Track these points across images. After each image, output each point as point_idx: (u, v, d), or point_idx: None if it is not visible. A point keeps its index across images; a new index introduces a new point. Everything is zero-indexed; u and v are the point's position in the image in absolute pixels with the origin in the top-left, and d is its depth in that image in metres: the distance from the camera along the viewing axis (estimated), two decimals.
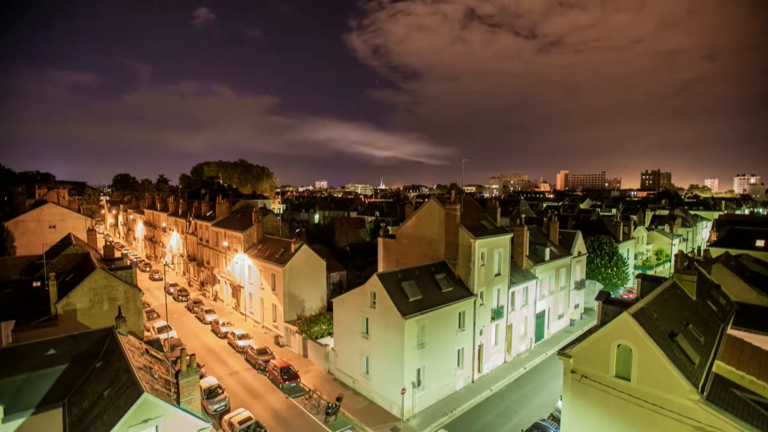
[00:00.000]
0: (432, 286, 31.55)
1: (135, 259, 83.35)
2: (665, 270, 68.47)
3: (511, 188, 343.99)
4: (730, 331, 23.17)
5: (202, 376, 31.72)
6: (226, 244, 53.92)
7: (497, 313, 35.50)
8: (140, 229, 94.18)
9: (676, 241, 74.63)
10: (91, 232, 48.05)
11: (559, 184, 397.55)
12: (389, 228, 51.13)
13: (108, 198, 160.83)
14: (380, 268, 40.36)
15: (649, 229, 77.19)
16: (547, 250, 43.24)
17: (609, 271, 50.89)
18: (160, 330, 41.22)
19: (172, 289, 58.77)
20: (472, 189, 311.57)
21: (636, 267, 65.06)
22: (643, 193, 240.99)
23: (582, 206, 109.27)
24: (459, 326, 32.29)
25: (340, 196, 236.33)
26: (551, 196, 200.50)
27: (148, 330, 41.83)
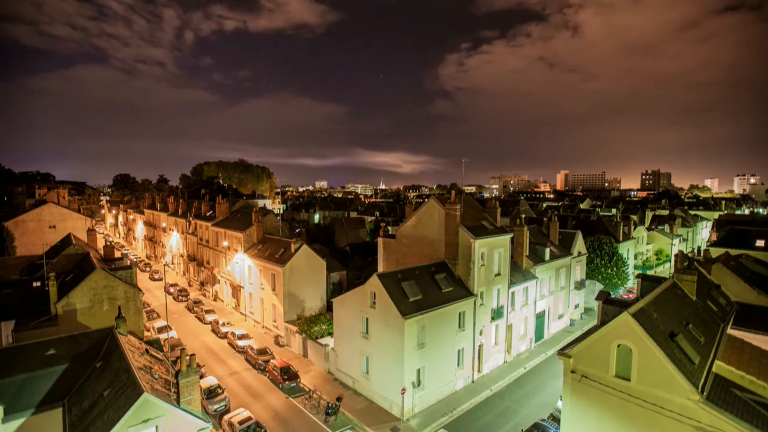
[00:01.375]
0: (432, 286, 31.55)
1: (135, 259, 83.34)
2: (665, 270, 68.47)
3: (511, 188, 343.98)
4: (730, 331, 23.15)
5: (202, 376, 31.72)
6: (226, 244, 53.92)
7: (497, 313, 35.50)
8: (140, 229, 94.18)
9: (676, 241, 74.63)
10: (91, 232, 48.05)
11: (559, 184, 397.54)
12: (389, 228, 51.14)
13: (108, 198, 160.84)
14: (380, 268, 40.36)
15: (649, 229, 77.18)
16: (547, 250, 43.24)
17: (609, 271, 50.89)
18: (160, 330, 41.21)
19: (172, 289, 58.76)
20: (472, 189, 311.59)
21: (636, 267, 65.06)
22: (643, 193, 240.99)
23: (582, 206, 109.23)
24: (459, 326, 32.29)
25: (340, 196, 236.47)
26: (551, 196, 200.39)
27: (148, 330, 41.82)
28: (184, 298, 55.96)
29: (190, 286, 64.39)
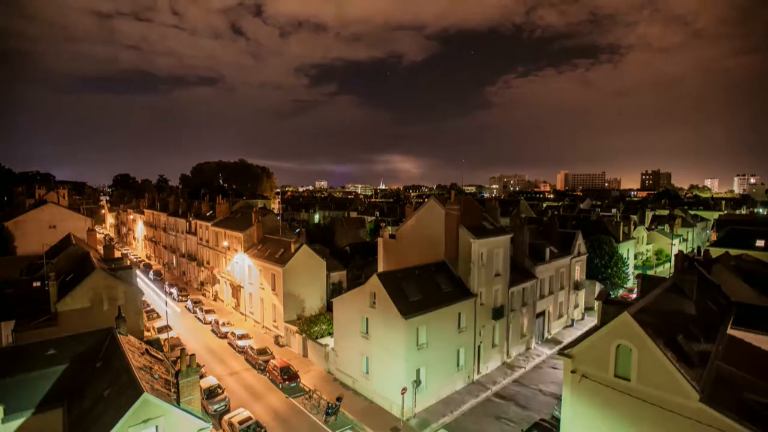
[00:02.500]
0: (432, 286, 31.54)
1: (135, 259, 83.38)
2: (665, 270, 68.43)
3: (511, 188, 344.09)
4: (730, 331, 23.15)
5: (202, 376, 31.69)
6: (226, 244, 53.92)
7: (497, 313, 35.50)
8: (140, 229, 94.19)
9: (676, 241, 74.63)
10: (91, 232, 48.06)
11: (559, 184, 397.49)
12: (389, 228, 51.11)
13: (108, 198, 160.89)
14: (380, 268, 40.33)
15: (649, 229, 77.20)
16: (547, 250, 43.24)
17: (609, 271, 50.89)
18: (160, 330, 41.22)
19: (172, 290, 58.77)
20: (472, 189, 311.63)
21: (636, 267, 65.04)
22: (643, 193, 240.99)
23: (582, 206, 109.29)
24: (459, 326, 32.28)
25: (340, 196, 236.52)
26: (551, 196, 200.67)
27: (148, 330, 41.81)
28: (184, 298, 55.85)
29: (188, 284, 64.25)
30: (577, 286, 48.18)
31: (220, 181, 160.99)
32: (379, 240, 41.36)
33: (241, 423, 25.99)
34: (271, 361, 35.13)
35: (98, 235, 57.22)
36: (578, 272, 48.87)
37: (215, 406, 29.02)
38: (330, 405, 28.83)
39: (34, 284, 32.91)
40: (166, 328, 40.80)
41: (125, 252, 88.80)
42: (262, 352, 37.18)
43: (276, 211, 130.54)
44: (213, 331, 45.03)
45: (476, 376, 34.30)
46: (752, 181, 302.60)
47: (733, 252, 38.15)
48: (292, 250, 43.19)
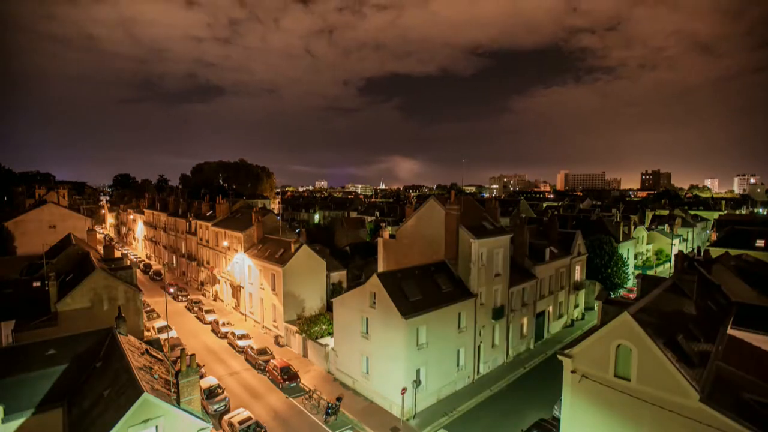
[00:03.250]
0: (432, 286, 31.54)
1: (135, 259, 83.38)
2: (665, 270, 68.44)
3: (511, 188, 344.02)
4: (730, 331, 23.14)
5: (202, 376, 31.69)
6: (226, 244, 53.92)
7: (497, 313, 35.50)
8: (140, 229, 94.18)
9: (676, 241, 74.63)
10: (91, 232, 48.06)
11: (559, 184, 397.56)
12: (389, 228, 51.10)
13: (108, 198, 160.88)
14: (380, 268, 40.34)
15: (649, 229, 77.19)
16: (547, 250, 43.23)
17: (609, 271, 50.86)
18: (160, 330, 41.21)
19: (171, 289, 58.78)
20: (472, 189, 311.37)
21: (636, 267, 65.06)
22: (643, 193, 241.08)
23: (582, 206, 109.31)
24: (459, 326, 32.28)
25: (340, 196, 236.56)
26: (551, 196, 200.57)
27: (148, 330, 41.81)
28: (183, 298, 55.85)
29: (187, 284, 64.21)
30: (577, 286, 48.17)
31: (220, 181, 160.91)
32: (379, 240, 41.36)
33: (241, 423, 25.99)
34: (271, 361, 35.13)
35: (98, 235, 57.24)
36: (578, 272, 48.85)
37: (215, 406, 29.01)
38: (330, 405, 28.83)
39: (34, 284, 32.90)
40: (166, 328, 40.78)
41: (125, 252, 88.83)
42: (262, 352, 37.18)
43: (276, 211, 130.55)
44: (213, 331, 45.03)
45: (476, 376, 34.31)
46: (752, 181, 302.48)
47: (733, 252, 38.15)
48: (292, 250, 43.19)
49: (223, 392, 30.52)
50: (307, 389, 32.24)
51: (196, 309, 50.86)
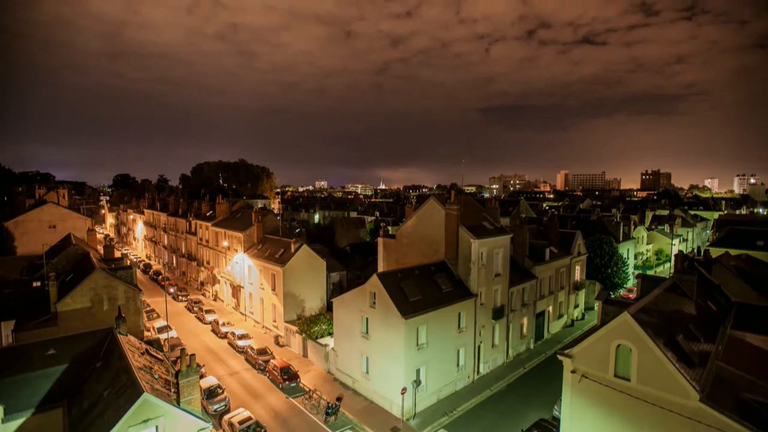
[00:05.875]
0: (432, 286, 31.54)
1: (135, 259, 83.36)
2: (665, 270, 68.46)
3: (511, 188, 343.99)
4: (730, 331, 23.14)
5: (202, 376, 31.70)
6: (226, 244, 53.92)
7: (497, 313, 35.50)
8: (140, 229, 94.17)
9: (676, 241, 74.65)
10: (91, 232, 48.07)
11: (559, 184, 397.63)
12: (389, 228, 51.10)
13: (108, 198, 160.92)
14: (380, 268, 40.33)
15: (649, 229, 77.23)
16: (547, 250, 43.23)
17: (609, 271, 50.86)
18: (160, 330, 41.20)
19: (171, 289, 58.79)
20: (472, 189, 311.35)
21: (636, 267, 65.08)
22: (643, 193, 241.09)
23: (582, 206, 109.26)
24: (459, 326, 32.29)
25: (340, 196, 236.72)
26: (551, 196, 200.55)
27: (148, 330, 41.81)
28: (183, 298, 55.84)
29: (187, 284, 64.19)
30: (577, 286, 48.17)
31: (220, 180, 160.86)
32: (379, 240, 41.35)
33: (241, 423, 25.99)
34: (271, 361, 35.13)
35: (98, 235, 57.27)
36: (578, 272, 48.86)
37: (215, 406, 29.01)
38: (330, 405, 28.84)
39: (34, 284, 32.93)
40: (166, 328, 40.78)
41: (125, 252, 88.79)
42: (262, 352, 37.18)
43: (276, 211, 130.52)
44: (213, 331, 45.03)
45: (476, 376, 34.31)
46: (752, 181, 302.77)
47: (733, 252, 38.17)
48: (292, 250, 43.19)
49: (223, 392, 30.52)
50: (307, 389, 32.24)
51: (196, 309, 50.85)
